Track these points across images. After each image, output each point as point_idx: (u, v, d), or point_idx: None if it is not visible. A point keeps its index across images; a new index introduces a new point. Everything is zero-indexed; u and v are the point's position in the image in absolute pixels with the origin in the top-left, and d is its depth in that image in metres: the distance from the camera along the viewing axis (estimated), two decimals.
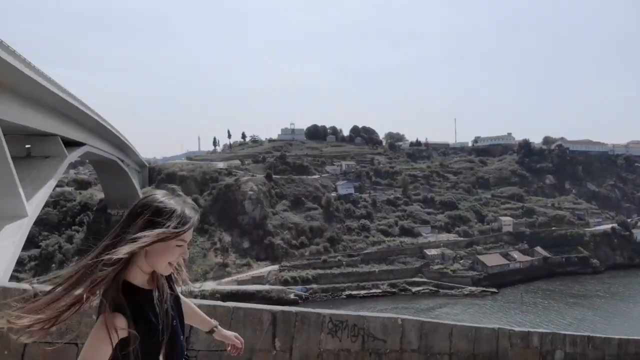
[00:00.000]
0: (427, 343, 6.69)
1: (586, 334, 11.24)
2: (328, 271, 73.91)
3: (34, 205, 33.82)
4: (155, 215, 1.86)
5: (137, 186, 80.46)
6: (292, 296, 63.98)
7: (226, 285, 65.08)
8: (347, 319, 5.75)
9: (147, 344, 1.88)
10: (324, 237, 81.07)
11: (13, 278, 36.22)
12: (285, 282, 68.69)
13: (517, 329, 8.66)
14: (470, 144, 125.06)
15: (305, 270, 72.52)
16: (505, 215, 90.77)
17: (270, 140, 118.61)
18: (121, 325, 1.84)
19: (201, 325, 2.66)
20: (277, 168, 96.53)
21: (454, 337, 7.14)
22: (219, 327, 2.70)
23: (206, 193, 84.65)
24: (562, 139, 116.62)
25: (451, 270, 74.68)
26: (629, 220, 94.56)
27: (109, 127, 62.02)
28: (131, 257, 1.88)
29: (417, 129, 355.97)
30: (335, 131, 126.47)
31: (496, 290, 70.25)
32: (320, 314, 5.53)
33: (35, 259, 65.66)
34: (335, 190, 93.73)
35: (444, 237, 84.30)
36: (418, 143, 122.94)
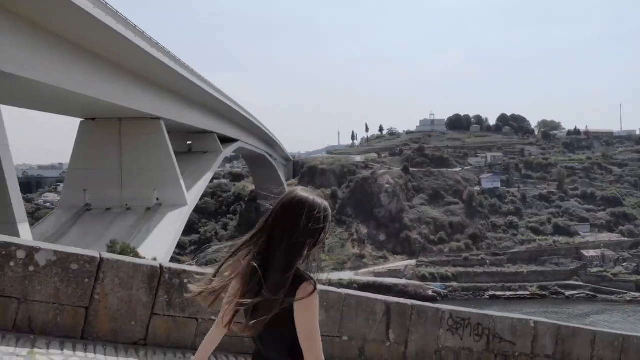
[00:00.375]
0: (564, 349, 6.06)
1: None
2: (470, 269, 70.92)
3: (193, 195, 38.02)
4: (318, 218, 1.99)
5: (283, 178, 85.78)
6: (430, 292, 62.62)
7: (363, 276, 66.18)
8: (469, 316, 5.45)
9: None
10: (465, 234, 77.87)
11: (174, 259, 41.15)
12: (423, 278, 67.51)
13: (610, 331, 7.41)
14: (638, 132, 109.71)
15: (445, 267, 70.50)
16: None
17: (408, 132, 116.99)
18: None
19: None
20: (414, 161, 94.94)
21: (597, 345, 6.36)
22: None
23: (344, 185, 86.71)
24: None
25: (612, 274, 66.52)
26: None
27: (258, 124, 67.03)
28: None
29: (575, 117, 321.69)
30: (479, 120, 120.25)
31: None
32: (439, 309, 5.34)
33: (194, 243, 73.50)
34: (479, 184, 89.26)
35: (605, 236, 75.24)
36: (577, 131, 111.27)
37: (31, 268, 3.58)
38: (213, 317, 4.28)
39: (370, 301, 4.98)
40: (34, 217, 58.99)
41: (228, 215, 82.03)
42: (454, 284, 66.95)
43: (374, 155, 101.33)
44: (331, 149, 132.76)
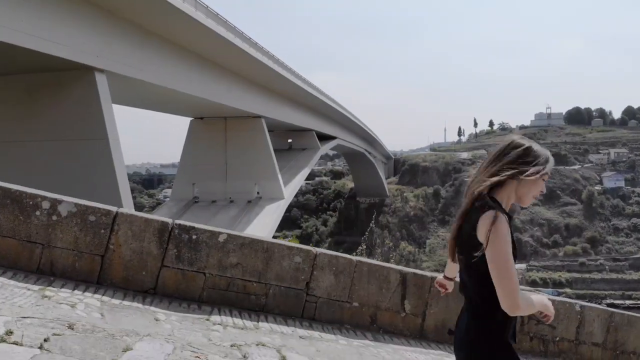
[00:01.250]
0: (616, 338, 5.43)
1: None
2: (586, 275, 65.18)
3: (290, 189, 39.43)
4: (526, 155, 2.12)
5: (383, 176, 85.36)
6: None
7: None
8: None
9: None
10: (582, 237, 71.66)
11: None
12: (533, 283, 63.22)
13: None
14: None
15: (558, 272, 65.50)
16: None
17: (522, 127, 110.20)
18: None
19: None
20: None
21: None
22: None
23: (448, 184, 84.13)
24: None
25: None
26: None
27: (357, 121, 67.43)
28: (504, 184, 2.10)
29: None
30: (602, 114, 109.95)
31: None
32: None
33: (296, 237, 76.00)
34: (600, 182, 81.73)
35: None
36: None
37: (54, 217, 4.08)
38: (220, 273, 4.57)
39: (383, 269, 4.91)
40: (154, 210, 65.07)
41: (328, 212, 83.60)
42: (568, 290, 61.78)
43: (483, 152, 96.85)
44: (435, 146, 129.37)
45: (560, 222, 74.05)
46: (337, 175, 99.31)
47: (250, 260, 4.48)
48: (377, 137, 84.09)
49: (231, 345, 3.45)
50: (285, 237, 66.84)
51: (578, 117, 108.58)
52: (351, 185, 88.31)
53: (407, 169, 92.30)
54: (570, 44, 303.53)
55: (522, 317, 5.18)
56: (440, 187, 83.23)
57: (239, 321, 4.17)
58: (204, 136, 40.35)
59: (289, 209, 70.76)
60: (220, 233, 4.48)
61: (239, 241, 4.48)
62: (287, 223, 73.13)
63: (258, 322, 4.27)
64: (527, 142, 2.20)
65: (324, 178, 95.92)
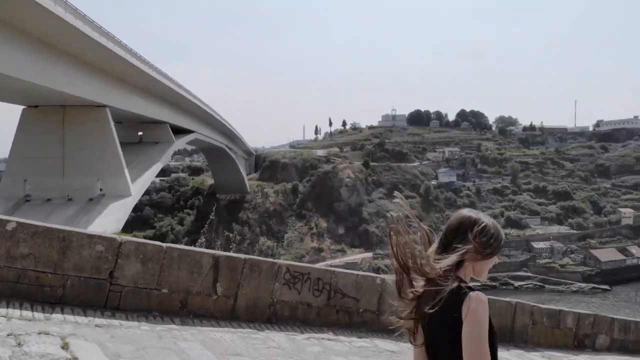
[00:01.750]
0: None
1: None
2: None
3: (139, 185, 37.23)
4: (484, 233, 2.08)
5: (244, 173, 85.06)
6: None
7: None
8: (309, 271, 5.51)
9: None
10: None
11: None
12: (378, 270, 68.26)
13: (543, 306, 7.73)
14: (591, 129, 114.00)
15: None
16: (626, 206, 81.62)
17: (371, 127, 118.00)
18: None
19: None
20: (375, 155, 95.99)
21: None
22: None
23: (305, 180, 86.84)
24: None
25: (560, 265, 69.07)
26: None
27: (216, 116, 66.12)
28: (464, 260, 2.07)
29: (531, 113, 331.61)
30: (439, 116, 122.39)
31: (608, 288, 63.84)
32: (276, 263, 5.38)
33: (149, 239, 72.26)
34: (436, 178, 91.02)
35: (555, 229, 78.08)
36: (532, 127, 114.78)
37: None
38: (8, 265, 4.22)
39: (195, 254, 4.97)
40: None
41: (185, 210, 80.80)
42: None
43: (336, 149, 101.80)
44: (295, 144, 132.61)
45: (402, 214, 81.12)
46: (195, 171, 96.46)
47: (44, 250, 4.21)
48: (238, 133, 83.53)
49: (7, 335, 3.23)
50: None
51: (418, 118, 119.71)
52: (211, 181, 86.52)
53: (267, 165, 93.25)
54: (417, 52, 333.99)
55: (329, 291, 5.64)
56: (299, 182, 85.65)
57: (28, 313, 3.90)
58: (38, 126, 36.31)
59: (139, 208, 66.76)
60: (8, 221, 4.14)
61: (31, 230, 4.19)
62: (138, 223, 69.12)
63: (52, 313, 4.03)
64: (482, 218, 2.15)
65: (181, 174, 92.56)
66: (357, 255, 71.89)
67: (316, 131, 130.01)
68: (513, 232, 77.53)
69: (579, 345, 8.19)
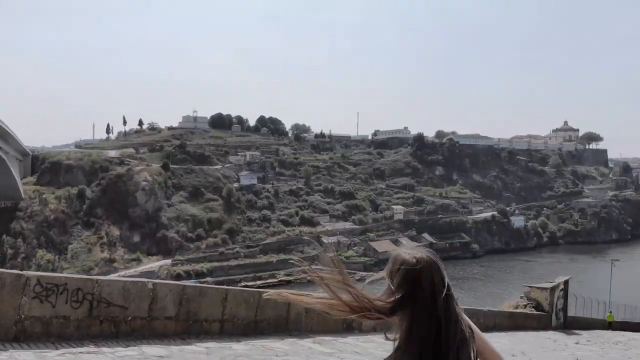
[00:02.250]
0: (189, 309, 6.15)
1: None
2: (225, 263, 72.56)
3: None
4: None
5: (17, 176, 73.28)
6: None
7: None
8: (66, 282, 5.00)
9: None
10: (223, 229, 79.47)
11: None
12: (178, 277, 66.00)
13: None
14: (370, 137, 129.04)
15: (200, 264, 70.57)
16: (397, 204, 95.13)
17: (170, 128, 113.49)
18: None
19: None
20: (175, 157, 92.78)
21: (230, 303, 6.69)
22: None
23: (94, 183, 79.28)
24: (453, 133, 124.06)
25: (345, 257, 76.66)
26: (507, 208, 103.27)
27: None
28: None
29: (322, 121, 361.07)
30: (240, 121, 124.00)
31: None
32: (23, 274, 4.74)
33: None
34: (238, 181, 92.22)
35: (341, 225, 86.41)
36: (322, 135, 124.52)
37: None
38: None
39: None
40: None
41: None
42: (209, 279, 67.27)
43: (131, 150, 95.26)
44: (82, 143, 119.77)
45: (203, 217, 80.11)
46: None
47: None
48: (10, 130, 71.49)
49: None
50: None
51: (220, 122, 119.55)
52: None
53: (47, 168, 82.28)
54: (220, 54, 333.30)
55: (91, 301, 5.21)
56: (86, 187, 77.69)
57: None
58: None
59: None
60: None
61: None
62: None
63: None
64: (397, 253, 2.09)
65: None
66: (155, 263, 68.38)
67: (108, 130, 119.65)
68: (306, 229, 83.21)
69: (348, 328, 9.14)
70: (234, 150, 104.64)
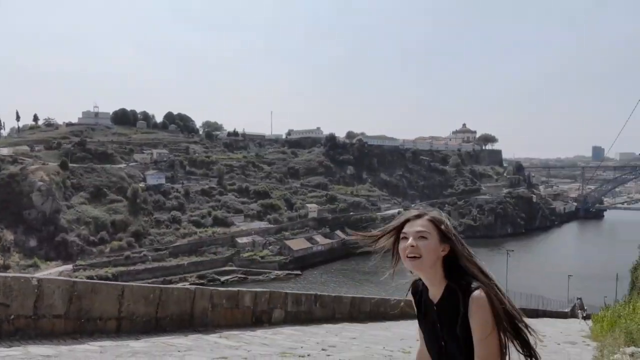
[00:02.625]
0: (81, 307, 5.70)
1: (314, 292, 11.58)
2: (131, 268, 69.08)
3: None
4: None
5: None
6: None
7: None
8: None
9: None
10: (128, 232, 75.55)
11: None
12: None
13: (223, 289, 8.29)
14: (284, 136, 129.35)
15: (105, 269, 66.53)
16: (312, 202, 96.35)
17: (69, 124, 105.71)
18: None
19: None
20: (74, 156, 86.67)
21: (127, 300, 6.30)
22: None
23: None
24: (362, 134, 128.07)
25: (260, 257, 76.28)
26: (412, 205, 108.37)
27: None
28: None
29: (235, 120, 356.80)
30: (146, 117, 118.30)
31: (300, 273, 74.19)
32: None
33: None
34: (144, 180, 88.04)
35: (256, 225, 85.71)
36: (235, 133, 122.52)
37: None
38: None
39: None
40: None
41: None
42: None
43: (26, 148, 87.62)
44: None
45: (107, 219, 75.57)
46: None
47: None
48: None
49: None
50: None
51: (124, 118, 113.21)
52: None
53: None
54: (123, 49, 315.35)
55: None
56: None
57: None
58: None
59: None
60: None
61: None
62: None
63: None
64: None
65: None
66: (54, 269, 63.30)
67: None
68: (220, 230, 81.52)
69: (257, 322, 9.00)
70: (140, 148, 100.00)
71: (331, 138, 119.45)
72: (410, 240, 2.07)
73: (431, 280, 2.13)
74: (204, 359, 5.53)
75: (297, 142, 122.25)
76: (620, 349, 7.67)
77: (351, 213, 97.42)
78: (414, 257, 2.07)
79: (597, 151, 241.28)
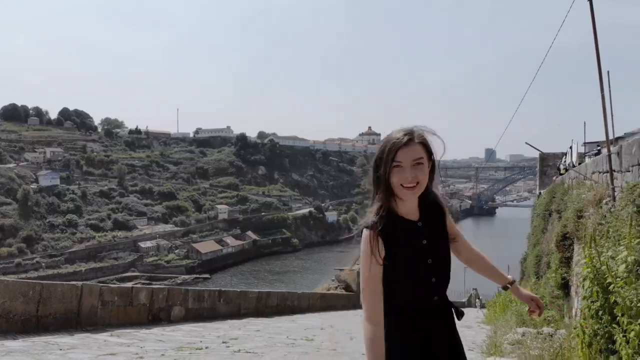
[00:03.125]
0: None
1: (217, 288, 11.27)
2: (23, 276, 63.03)
3: None
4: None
5: None
6: None
7: None
8: None
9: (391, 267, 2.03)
10: (19, 237, 69.30)
11: None
12: None
13: (115, 285, 7.79)
14: (191, 135, 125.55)
15: None
16: (222, 203, 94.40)
17: None
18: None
19: (495, 279, 2.43)
20: None
21: (1, 297, 5.67)
22: (516, 284, 2.43)
23: None
24: (273, 134, 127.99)
25: (165, 261, 73.30)
26: (323, 204, 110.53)
27: None
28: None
29: (138, 117, 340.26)
30: (39, 113, 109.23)
31: (209, 276, 72.23)
32: None
33: None
34: (36, 181, 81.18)
35: (161, 228, 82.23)
36: (138, 131, 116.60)
37: None
38: None
39: None
40: None
41: None
42: None
43: None
44: None
45: None
46: None
47: None
48: None
49: None
50: None
51: (15, 114, 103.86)
52: None
53: None
54: (11, 39, 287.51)
55: None
56: None
57: None
58: None
59: None
60: None
61: None
62: None
63: None
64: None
65: None
66: None
67: None
68: (121, 234, 77.19)
69: (154, 319, 8.53)
70: (31, 147, 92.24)
71: (242, 138, 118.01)
72: (408, 170, 2.01)
73: (415, 204, 2.10)
74: (88, 356, 5.09)
75: (205, 141, 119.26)
76: (512, 330, 8.26)
77: (263, 213, 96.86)
78: (414, 185, 2.01)
79: (490, 153, 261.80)
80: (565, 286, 9.58)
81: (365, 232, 2.01)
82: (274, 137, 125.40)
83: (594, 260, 3.74)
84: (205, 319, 10.04)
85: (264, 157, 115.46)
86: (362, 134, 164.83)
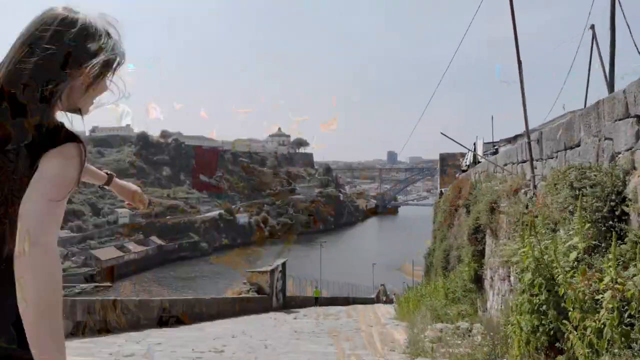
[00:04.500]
0: None
1: (112, 298, 10.12)
2: None
3: None
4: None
5: None
6: None
7: None
8: None
9: None
10: None
11: None
12: None
13: None
14: (88, 133, 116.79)
15: None
16: (122, 207, 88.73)
17: None
18: None
19: (95, 179, 2.04)
20: None
21: None
22: (115, 178, 2.10)
23: None
24: (178, 133, 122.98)
25: (62, 270, 67.26)
26: (233, 207, 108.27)
27: None
28: None
29: None
30: None
31: (110, 284, 67.40)
32: None
33: None
34: None
35: None
36: None
37: None
38: None
39: None
40: None
41: None
42: None
43: None
44: None
45: None
46: None
47: None
48: None
49: None
50: None
51: None
52: None
53: None
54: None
55: None
56: None
57: None
58: None
59: None
60: None
61: None
62: None
63: None
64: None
65: None
66: None
67: None
68: None
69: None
70: None
71: (143, 137, 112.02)
72: None
73: None
74: None
75: (103, 140, 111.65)
76: (429, 326, 8.07)
77: (168, 217, 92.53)
78: None
79: (392, 155, 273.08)
80: (478, 280, 9.68)
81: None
82: (179, 136, 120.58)
83: (535, 250, 3.45)
84: (97, 332, 9.01)
85: (168, 158, 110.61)
86: (272, 135, 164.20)
